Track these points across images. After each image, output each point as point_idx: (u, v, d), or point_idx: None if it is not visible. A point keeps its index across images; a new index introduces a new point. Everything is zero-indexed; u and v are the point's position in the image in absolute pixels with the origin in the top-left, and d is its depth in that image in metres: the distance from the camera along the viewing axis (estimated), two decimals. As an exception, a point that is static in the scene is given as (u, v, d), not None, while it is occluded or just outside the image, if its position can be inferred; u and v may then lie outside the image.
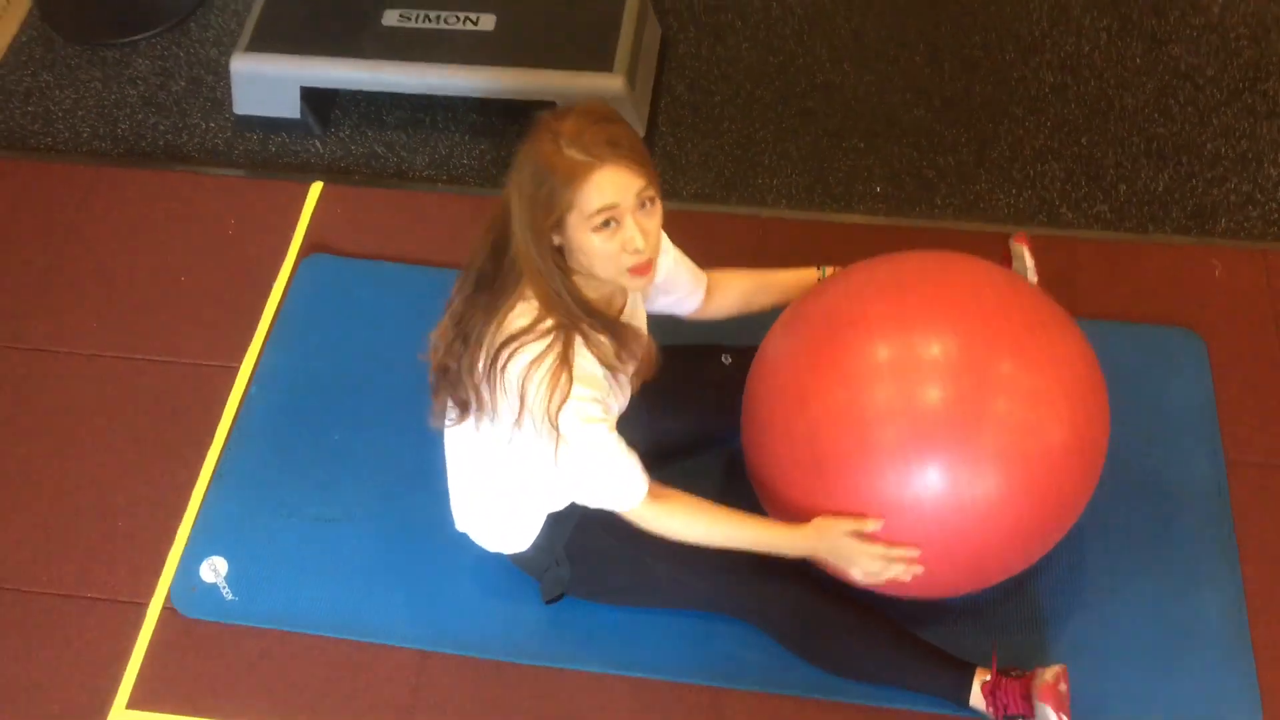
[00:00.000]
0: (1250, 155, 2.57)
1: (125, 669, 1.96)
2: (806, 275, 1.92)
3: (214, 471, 2.16)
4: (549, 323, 1.57)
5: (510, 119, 2.73)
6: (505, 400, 1.61)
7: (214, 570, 2.04)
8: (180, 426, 2.23)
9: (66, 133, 2.76)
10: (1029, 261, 2.02)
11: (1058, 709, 1.67)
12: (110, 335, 2.37)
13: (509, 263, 1.58)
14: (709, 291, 1.93)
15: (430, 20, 2.62)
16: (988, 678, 1.75)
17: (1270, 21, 2.79)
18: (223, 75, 2.78)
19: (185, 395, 2.28)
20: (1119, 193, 2.53)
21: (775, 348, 1.76)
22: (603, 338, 1.62)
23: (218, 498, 2.13)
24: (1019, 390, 1.57)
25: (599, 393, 1.61)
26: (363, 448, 2.17)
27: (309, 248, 2.48)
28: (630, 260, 1.52)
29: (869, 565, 1.63)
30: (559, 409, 1.56)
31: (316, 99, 2.70)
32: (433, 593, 2.01)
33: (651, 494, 1.67)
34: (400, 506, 2.10)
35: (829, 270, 1.90)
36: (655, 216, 1.54)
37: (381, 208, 2.56)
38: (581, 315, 1.57)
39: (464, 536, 1.92)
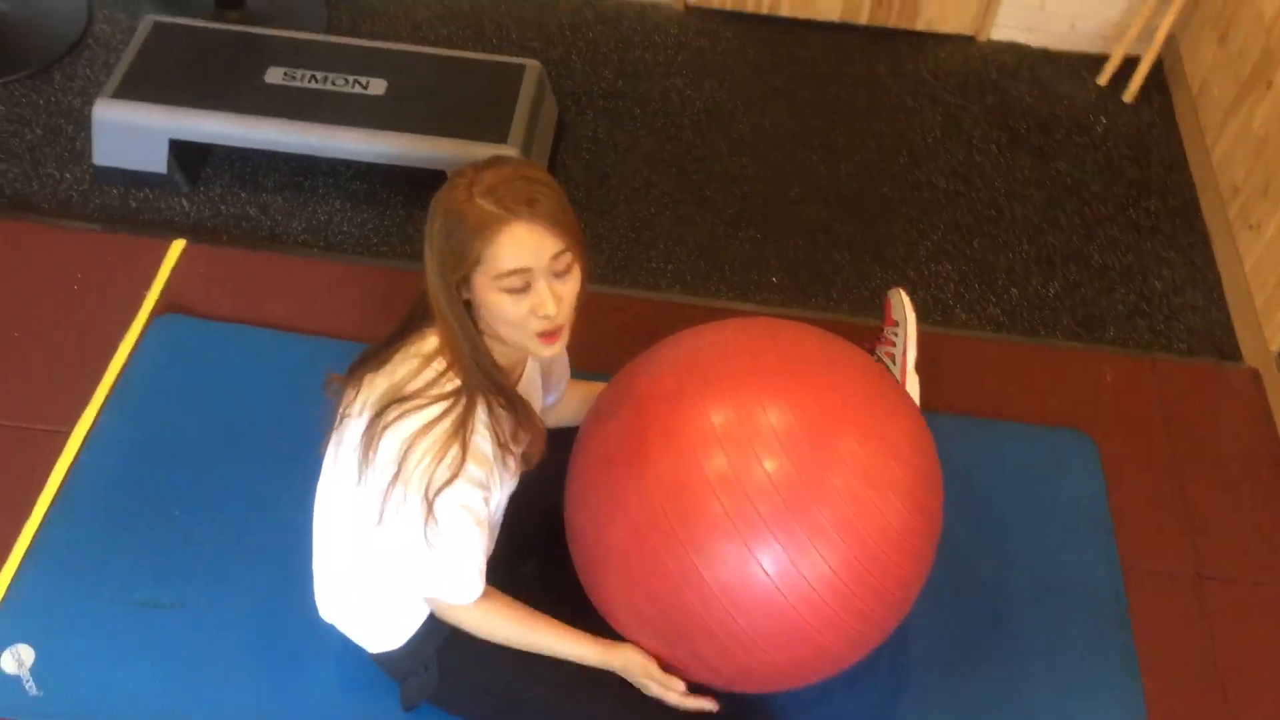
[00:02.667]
0: (1135, 269, 2.60)
1: (-105, 777, 1.67)
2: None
3: (28, 548, 1.90)
4: (452, 384, 1.42)
5: (395, 188, 2.60)
6: (373, 469, 1.44)
7: (18, 660, 1.77)
8: (-6, 497, 1.98)
9: (-100, 173, 2.53)
10: (909, 311, 1.96)
11: None
12: (-77, 392, 2.11)
13: (417, 307, 1.47)
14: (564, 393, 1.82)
15: (316, 81, 2.50)
16: None
17: (1150, 144, 2.88)
18: (84, 125, 2.58)
19: (4, 462, 2.02)
20: (1011, 297, 2.53)
21: (603, 414, 1.63)
22: (503, 412, 1.47)
23: (29, 578, 1.86)
24: (857, 466, 1.47)
25: (484, 475, 1.45)
26: (205, 527, 1.94)
27: (164, 307, 2.27)
28: (539, 325, 1.40)
29: (664, 698, 1.59)
30: (442, 487, 1.39)
31: (186, 154, 2.53)
32: (273, 692, 1.77)
33: (483, 594, 1.54)
34: (244, 593, 1.87)
35: None
36: (572, 282, 1.41)
37: (249, 270, 2.37)
38: (489, 380, 1.43)
39: (318, 628, 1.71)
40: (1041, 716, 1.81)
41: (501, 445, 1.47)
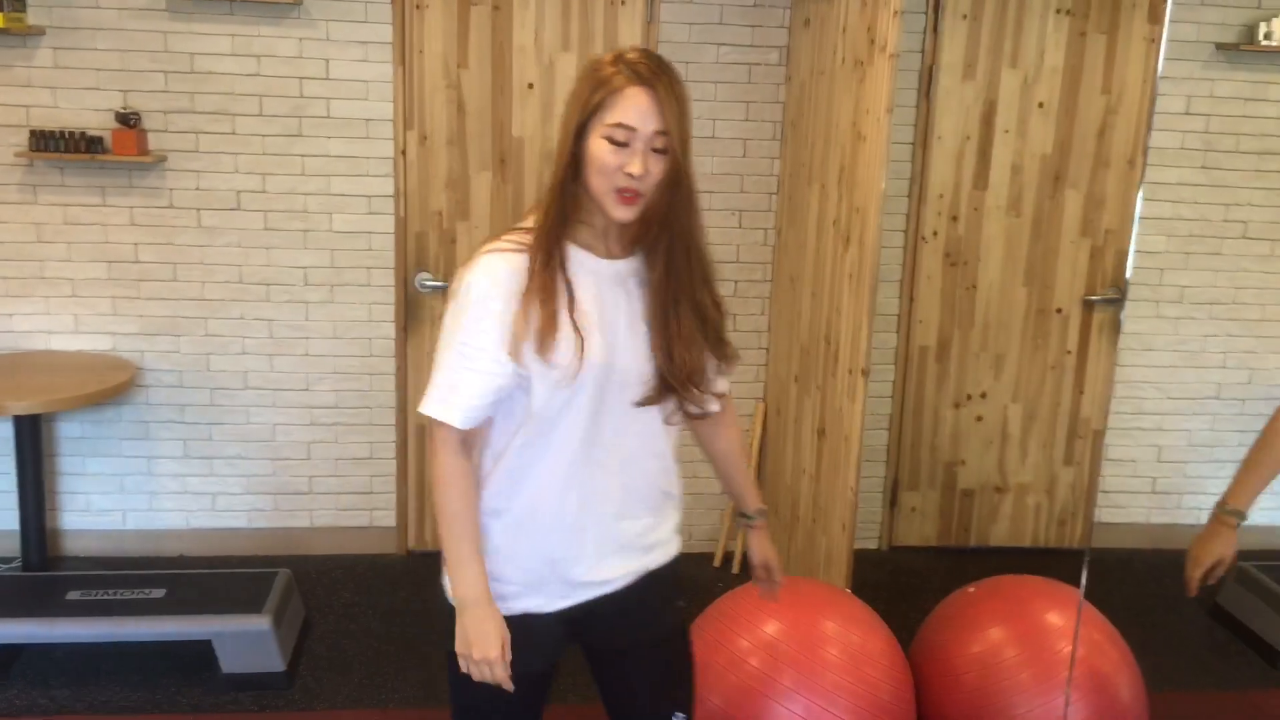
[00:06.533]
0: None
1: None
2: (742, 497, 2.08)
3: None
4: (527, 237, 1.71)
5: (170, 673, 3.22)
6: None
7: None
8: None
9: None
10: None
11: None
12: None
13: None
14: (717, 417, 1.96)
15: (108, 595, 3.24)
16: None
17: (755, 596, 3.94)
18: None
19: None
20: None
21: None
22: (544, 277, 1.67)
23: None
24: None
25: (496, 289, 1.66)
26: None
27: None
28: (622, 181, 1.64)
29: (470, 658, 1.72)
30: (463, 301, 1.68)
31: (-10, 662, 3.11)
32: None
33: (454, 436, 1.71)
34: None
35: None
36: (663, 165, 1.65)
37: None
38: (553, 222, 1.68)
39: None
40: None
41: (528, 294, 1.66)
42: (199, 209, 3.81)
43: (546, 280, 1.67)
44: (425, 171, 3.88)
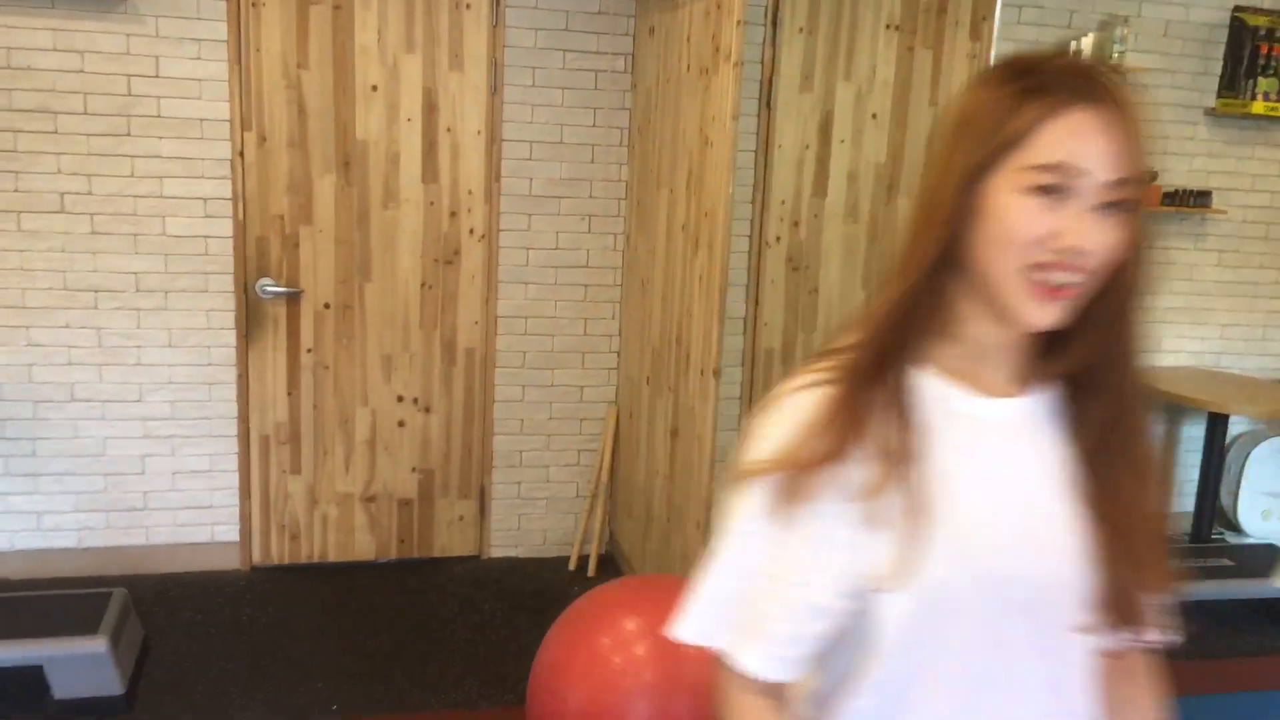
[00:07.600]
0: (609, 664, 3.53)
1: None
2: None
3: None
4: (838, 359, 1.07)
5: (-7, 705, 3.04)
6: None
7: None
8: None
9: None
10: None
11: None
12: None
13: None
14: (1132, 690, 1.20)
15: (-77, 624, 3.03)
16: None
17: (610, 597, 3.98)
18: None
19: None
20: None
21: None
22: (889, 417, 1.04)
23: None
24: None
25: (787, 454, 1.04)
26: None
27: None
28: (1046, 256, 1.00)
29: None
30: (746, 473, 1.07)
31: None
32: None
33: (759, 692, 1.09)
34: None
35: None
36: (1115, 233, 1.01)
37: None
38: (901, 326, 1.05)
39: None
40: None
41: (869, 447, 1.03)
42: (19, 212, 3.59)
43: (852, 407, 1.02)
44: (265, 174, 3.76)
